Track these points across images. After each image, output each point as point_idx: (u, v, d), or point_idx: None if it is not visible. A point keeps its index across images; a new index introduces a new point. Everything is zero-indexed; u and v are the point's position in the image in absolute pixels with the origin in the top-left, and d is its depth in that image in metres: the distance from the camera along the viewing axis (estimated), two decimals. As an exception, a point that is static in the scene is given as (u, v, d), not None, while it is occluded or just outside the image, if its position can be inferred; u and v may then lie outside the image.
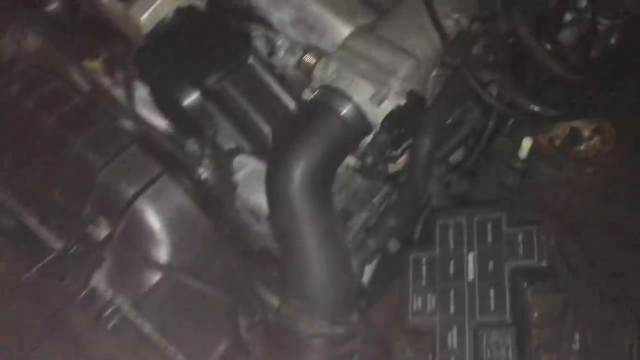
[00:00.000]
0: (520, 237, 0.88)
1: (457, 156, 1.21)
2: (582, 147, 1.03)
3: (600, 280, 0.89)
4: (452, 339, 0.88)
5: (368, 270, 1.25)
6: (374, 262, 1.23)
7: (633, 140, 1.01)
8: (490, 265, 0.88)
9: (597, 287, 0.88)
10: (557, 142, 1.04)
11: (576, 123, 1.04)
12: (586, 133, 1.03)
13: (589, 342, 0.86)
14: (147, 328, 1.00)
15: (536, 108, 1.00)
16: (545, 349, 0.88)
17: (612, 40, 1.19)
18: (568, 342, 0.88)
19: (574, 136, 1.03)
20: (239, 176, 1.13)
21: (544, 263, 0.85)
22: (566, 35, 1.17)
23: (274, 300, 1.11)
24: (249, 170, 1.13)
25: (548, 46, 1.12)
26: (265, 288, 1.14)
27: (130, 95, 1.21)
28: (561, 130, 1.05)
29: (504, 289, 0.86)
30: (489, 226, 0.91)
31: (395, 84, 1.00)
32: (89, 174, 1.04)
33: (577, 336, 0.87)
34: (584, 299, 0.88)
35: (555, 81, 1.07)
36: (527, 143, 0.97)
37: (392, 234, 1.13)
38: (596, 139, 1.03)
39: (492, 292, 0.87)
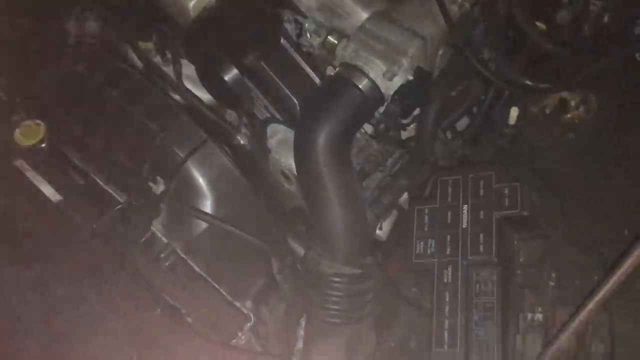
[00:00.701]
0: (506, 191, 1.04)
1: (463, 124, 1.37)
2: (569, 115, 1.18)
3: (574, 229, 1.04)
4: (448, 276, 1.05)
5: (386, 228, 1.44)
6: (392, 220, 1.41)
7: (614, 110, 1.15)
8: (481, 214, 1.05)
9: (571, 234, 1.04)
10: (548, 111, 1.19)
11: (565, 94, 1.18)
12: (573, 103, 1.18)
13: (563, 280, 1.02)
14: (197, 267, 1.20)
15: (529, 82, 1.15)
16: (527, 287, 1.05)
17: (605, 19, 1.32)
18: (545, 280, 1.04)
19: (563, 106, 1.18)
20: (272, 142, 1.29)
21: (525, 213, 1.01)
22: (562, 16, 1.31)
23: (301, 251, 1.29)
24: (280, 137, 1.29)
25: (543, 26, 1.26)
26: (294, 240, 1.32)
27: (178, 72, 1.38)
28: (551, 100, 1.19)
29: (492, 234, 1.03)
30: (481, 183, 1.07)
31: (405, 62, 1.15)
32: (147, 139, 1.22)
33: (553, 275, 1.04)
34: (559, 245, 1.05)
35: (547, 57, 1.21)
36: (514, 112, 1.13)
37: (404, 192, 1.30)
38: (582, 108, 1.17)
39: (481, 237, 1.03)
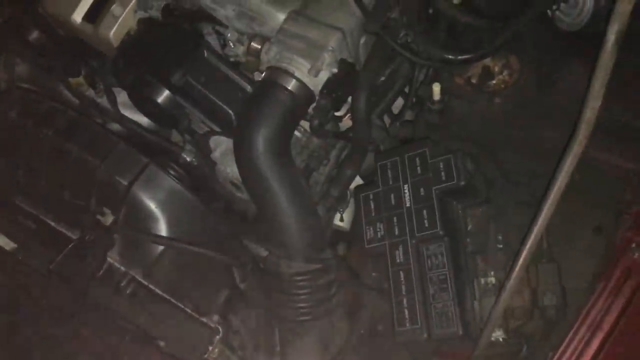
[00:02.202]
0: (441, 165, 1.06)
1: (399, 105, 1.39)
2: (495, 81, 1.20)
3: (512, 189, 1.07)
4: (400, 256, 1.07)
5: (348, 218, 1.46)
6: (352, 210, 1.43)
7: (534, 68, 1.18)
8: (422, 191, 1.07)
9: (510, 194, 1.07)
10: (474, 80, 1.21)
11: (487, 61, 1.21)
12: (496, 69, 1.21)
13: (510, 240, 1.05)
14: (158, 290, 1.21)
15: (449, 56, 1.18)
16: (477, 253, 1.08)
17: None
18: (494, 243, 1.07)
19: (486, 73, 1.21)
20: (216, 154, 1.30)
21: (462, 182, 1.04)
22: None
23: (263, 252, 1.30)
24: (223, 148, 1.30)
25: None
26: (255, 243, 1.33)
27: (113, 101, 1.39)
28: (475, 69, 1.21)
29: (434, 209, 1.05)
30: (417, 160, 1.09)
31: (327, 56, 1.17)
32: (88, 173, 1.23)
33: (500, 237, 1.07)
34: (501, 206, 1.07)
35: (465, 28, 1.24)
36: (436, 87, 1.15)
37: (351, 181, 1.33)
38: (505, 72, 1.20)
39: (425, 213, 1.06)
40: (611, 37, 0.84)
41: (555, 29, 1.19)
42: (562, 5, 1.16)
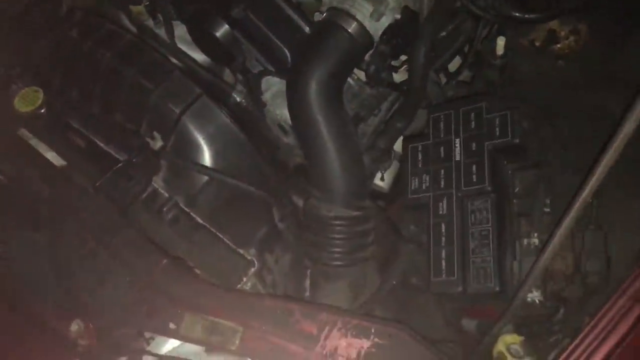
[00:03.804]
0: (497, 121, 1.04)
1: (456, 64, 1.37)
2: (559, 46, 1.17)
3: (565, 154, 1.05)
4: (443, 208, 1.06)
5: (388, 179, 1.45)
6: (394, 172, 1.42)
7: (603, 37, 1.14)
8: (473, 146, 1.06)
9: (563, 160, 1.05)
10: (538, 43, 1.18)
11: (554, 25, 1.18)
12: (562, 33, 1.17)
13: (558, 205, 1.03)
14: (199, 219, 1.22)
15: (517, 13, 1.15)
16: (522, 215, 1.06)
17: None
18: (540, 207, 1.05)
19: (552, 36, 1.18)
20: (266, 96, 1.31)
21: (516, 140, 1.02)
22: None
23: (300, 203, 1.30)
24: (275, 90, 1.30)
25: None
26: (297, 196, 1.34)
27: (171, 34, 1.40)
28: (540, 32, 1.18)
29: (484, 164, 1.03)
30: (472, 115, 1.08)
31: (391, 1, 1.16)
32: (142, 97, 1.25)
33: (547, 201, 1.05)
34: (552, 171, 1.05)
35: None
36: (501, 41, 1.12)
37: (399, 135, 1.31)
38: (571, 38, 1.17)
39: (474, 168, 1.04)
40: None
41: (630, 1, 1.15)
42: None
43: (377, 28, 1.16)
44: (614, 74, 1.09)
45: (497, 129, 1.04)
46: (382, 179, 1.42)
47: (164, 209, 1.21)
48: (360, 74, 1.27)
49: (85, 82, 1.31)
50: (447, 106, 1.13)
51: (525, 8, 1.14)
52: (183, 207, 1.22)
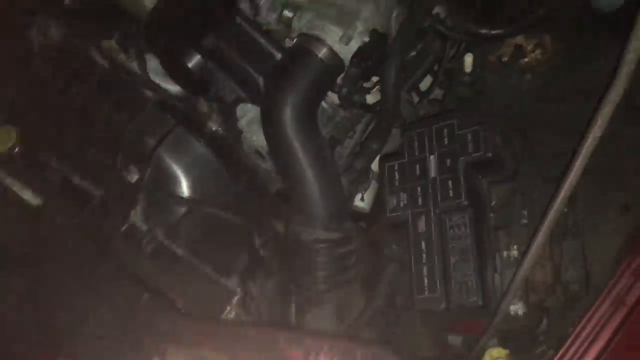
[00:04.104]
0: (469, 136, 1.05)
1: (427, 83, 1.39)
2: (526, 60, 1.20)
3: (539, 165, 1.06)
4: (422, 225, 1.07)
5: (368, 199, 1.45)
6: (373, 191, 1.43)
7: (567, 50, 1.17)
8: (448, 162, 1.06)
9: (537, 170, 1.06)
10: (505, 58, 1.21)
11: (520, 39, 1.20)
12: (529, 47, 1.20)
13: (535, 215, 1.04)
14: (179, 250, 1.22)
15: (483, 30, 1.17)
16: (500, 228, 1.07)
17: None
18: (518, 218, 1.06)
19: (519, 51, 1.20)
20: (242, 123, 1.31)
21: (489, 154, 1.03)
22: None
23: (282, 227, 1.30)
24: (250, 116, 1.30)
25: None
26: (275, 217, 1.33)
27: (143, 66, 1.40)
28: (507, 47, 1.21)
29: (459, 180, 1.04)
30: (445, 132, 1.09)
31: (359, 25, 1.17)
32: (117, 131, 1.25)
33: (525, 213, 1.06)
34: (527, 182, 1.06)
35: (500, 4, 1.23)
36: (468, 58, 1.15)
37: (376, 155, 1.32)
38: (537, 51, 1.19)
39: (450, 183, 1.05)
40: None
41: (592, 9, 1.18)
42: (599, -15, 1.15)
43: (347, 52, 1.18)
44: (580, 84, 1.11)
45: (470, 145, 1.05)
46: (362, 199, 1.42)
47: (144, 242, 1.21)
48: (334, 97, 1.28)
49: (59, 119, 1.31)
50: (420, 124, 1.15)
51: (491, 25, 1.16)
52: (163, 239, 1.22)
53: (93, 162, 1.27)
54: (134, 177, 1.23)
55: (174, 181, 1.25)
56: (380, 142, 1.29)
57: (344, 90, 1.19)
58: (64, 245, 1.22)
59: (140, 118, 1.25)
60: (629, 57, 0.90)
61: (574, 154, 0.96)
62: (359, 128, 1.34)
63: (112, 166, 1.25)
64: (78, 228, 1.21)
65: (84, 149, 1.29)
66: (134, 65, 1.42)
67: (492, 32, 1.14)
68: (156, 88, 1.39)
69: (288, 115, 1.16)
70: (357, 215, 1.43)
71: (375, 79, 1.27)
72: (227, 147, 1.36)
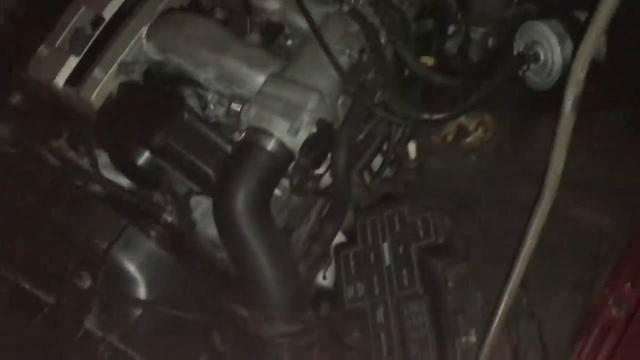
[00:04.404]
0: (419, 222, 1.07)
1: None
2: (470, 139, 1.23)
3: (490, 246, 1.08)
4: (380, 316, 1.06)
5: (330, 276, 1.45)
6: (332, 267, 1.43)
7: (507, 128, 1.21)
8: (401, 249, 1.07)
9: (488, 251, 1.08)
10: (449, 139, 1.24)
11: (462, 120, 1.24)
12: (471, 127, 1.23)
13: (489, 297, 1.05)
14: (137, 356, 1.19)
15: (425, 115, 1.20)
16: (458, 312, 1.07)
17: (489, 44, 1.41)
18: (474, 301, 1.07)
19: (462, 131, 1.23)
20: (196, 214, 1.31)
21: (440, 240, 1.04)
22: (449, 47, 1.39)
23: (244, 312, 1.28)
24: (204, 208, 1.30)
25: (432, 60, 1.33)
26: (236, 304, 1.31)
27: (93, 163, 1.40)
28: (451, 127, 1.24)
29: (413, 267, 1.05)
30: (396, 218, 1.10)
31: (306, 117, 1.19)
32: (67, 236, 1.23)
33: (479, 295, 1.06)
34: (480, 264, 1.08)
35: (441, 87, 1.27)
36: (412, 147, 1.18)
37: (332, 239, 1.33)
38: (480, 130, 1.23)
39: (404, 271, 1.06)
40: (568, 103, 0.87)
41: (527, 87, 1.23)
42: (532, 65, 1.20)
43: (295, 142, 1.19)
44: (524, 163, 1.14)
45: (421, 231, 1.06)
46: (324, 277, 1.42)
47: (99, 350, 1.17)
48: (287, 183, 1.28)
49: (6, 226, 1.29)
50: (371, 211, 1.16)
51: (432, 109, 1.19)
52: (118, 344, 1.18)
53: (44, 269, 1.24)
54: (86, 283, 1.20)
55: (128, 282, 1.22)
56: (336, 225, 1.30)
57: (296, 179, 1.20)
58: (15, 356, 1.18)
59: (90, 221, 1.23)
60: (560, 138, 0.93)
61: (522, 234, 0.98)
62: (314, 212, 1.35)
63: (63, 272, 1.22)
64: (30, 338, 1.16)
65: (34, 256, 1.26)
66: (85, 162, 1.41)
67: (434, 117, 1.16)
68: (107, 183, 1.38)
69: (239, 208, 1.16)
70: (321, 294, 1.43)
71: (326, 164, 1.29)
72: (183, 238, 1.35)
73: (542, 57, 1.18)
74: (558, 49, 1.15)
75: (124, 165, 1.30)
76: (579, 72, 0.83)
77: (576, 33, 1.19)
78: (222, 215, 1.19)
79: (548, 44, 1.17)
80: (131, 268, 1.23)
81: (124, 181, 1.38)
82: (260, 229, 1.17)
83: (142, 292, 1.23)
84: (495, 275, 1.06)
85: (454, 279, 1.09)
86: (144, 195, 1.40)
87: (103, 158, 1.39)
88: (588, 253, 1.02)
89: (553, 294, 1.02)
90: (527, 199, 1.05)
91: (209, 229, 1.28)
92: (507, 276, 0.94)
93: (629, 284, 0.94)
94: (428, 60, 1.33)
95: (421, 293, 1.04)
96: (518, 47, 1.27)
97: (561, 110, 0.88)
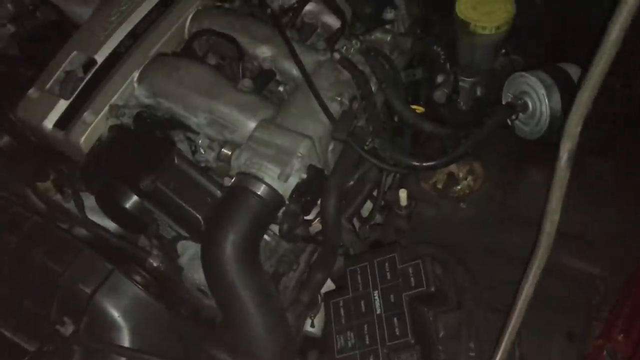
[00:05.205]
0: (410, 270, 1.06)
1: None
2: (460, 187, 1.24)
3: (484, 294, 1.07)
4: (371, 366, 1.04)
5: (319, 323, 1.43)
6: (323, 315, 1.41)
7: (497, 176, 1.22)
8: (392, 298, 1.06)
9: (480, 299, 1.07)
10: (440, 186, 1.24)
11: (452, 167, 1.25)
12: (461, 175, 1.24)
13: (482, 346, 1.04)
14: (119, 405, 1.14)
15: (414, 162, 1.21)
16: (450, 360, 1.06)
17: (478, 93, 1.43)
18: (465, 350, 1.05)
19: (452, 179, 1.24)
20: (183, 260, 1.29)
21: (432, 288, 1.03)
22: (438, 95, 1.41)
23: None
24: (191, 253, 1.28)
25: (422, 108, 1.35)
26: (223, 351, 1.28)
27: (80, 206, 1.37)
28: (441, 175, 1.25)
29: (404, 316, 1.04)
30: (387, 266, 1.09)
31: (296, 163, 1.19)
32: (51, 280, 1.19)
33: (471, 345, 1.05)
34: (472, 313, 1.07)
35: (431, 135, 1.28)
36: (402, 194, 1.18)
37: (322, 286, 1.31)
38: (469, 178, 1.24)
39: (395, 321, 1.04)
40: (564, 156, 0.88)
41: (516, 136, 1.24)
42: (521, 115, 1.22)
43: (285, 188, 1.19)
44: (513, 211, 1.15)
45: (412, 279, 1.05)
46: (312, 325, 1.40)
47: (80, 400, 1.13)
48: (276, 229, 1.27)
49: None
50: (361, 258, 1.15)
51: (422, 156, 1.20)
52: (100, 393, 1.14)
53: (26, 314, 1.20)
54: (69, 329, 1.16)
55: (112, 329, 1.18)
56: (325, 272, 1.29)
57: (285, 225, 1.19)
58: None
59: (75, 266, 1.20)
60: (556, 190, 0.93)
61: (518, 284, 0.98)
62: (303, 258, 1.34)
63: (46, 318, 1.19)
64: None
65: (17, 300, 1.22)
66: (71, 205, 1.39)
67: (424, 164, 1.17)
68: (93, 227, 1.36)
69: (228, 253, 1.14)
70: (309, 342, 1.40)
71: (316, 210, 1.29)
72: (169, 283, 1.32)
73: (530, 107, 1.20)
74: (546, 100, 1.18)
75: (111, 208, 1.29)
76: (574, 127, 0.84)
77: (563, 85, 1.22)
78: (210, 260, 1.17)
79: (536, 95, 1.19)
80: (115, 314, 1.19)
81: (109, 225, 1.37)
82: (248, 275, 1.15)
83: (126, 339, 1.19)
84: (488, 324, 1.05)
85: (446, 328, 1.08)
86: (130, 239, 1.39)
87: (89, 201, 1.38)
88: (580, 303, 1.02)
89: (547, 344, 1.01)
90: (518, 247, 1.05)
91: (196, 275, 1.26)
92: (502, 328, 0.93)
93: (622, 335, 0.93)
94: (417, 109, 1.35)
95: (412, 342, 1.02)
96: (506, 97, 1.30)
97: (557, 163, 0.89)
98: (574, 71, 1.27)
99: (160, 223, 1.29)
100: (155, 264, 1.33)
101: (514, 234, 1.10)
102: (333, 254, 1.27)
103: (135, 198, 1.24)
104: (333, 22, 1.48)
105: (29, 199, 1.41)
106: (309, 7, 1.48)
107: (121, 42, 1.36)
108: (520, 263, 0.98)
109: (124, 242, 1.35)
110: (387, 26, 1.46)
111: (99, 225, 1.36)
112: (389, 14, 1.51)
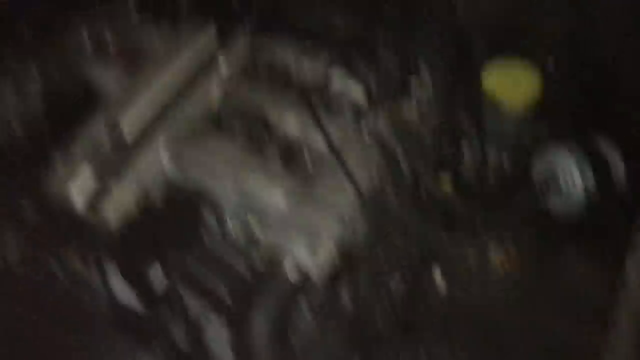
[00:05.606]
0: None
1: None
2: (494, 268, 1.20)
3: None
4: None
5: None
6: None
7: (533, 261, 1.18)
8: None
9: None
10: (474, 270, 1.21)
11: (488, 252, 1.22)
12: (495, 256, 1.21)
13: None
14: None
15: (446, 238, 1.19)
16: None
17: (505, 164, 1.42)
18: None
19: (485, 259, 1.21)
20: (207, 336, 1.27)
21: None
22: (466, 166, 1.39)
23: None
24: (215, 329, 1.27)
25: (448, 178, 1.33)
26: None
27: (103, 276, 1.36)
28: (474, 259, 1.22)
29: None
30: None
31: (325, 237, 1.18)
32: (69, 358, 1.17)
33: None
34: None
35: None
36: (437, 275, 1.15)
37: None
38: (504, 259, 1.20)
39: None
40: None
41: (552, 220, 1.22)
42: (556, 197, 1.19)
43: (314, 262, 1.17)
44: (551, 296, 1.11)
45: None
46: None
47: None
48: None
49: (14, 346, 1.23)
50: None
51: (454, 232, 1.18)
52: None
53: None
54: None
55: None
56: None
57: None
58: None
59: (93, 343, 1.18)
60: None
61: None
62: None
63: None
64: None
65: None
66: (93, 278, 1.38)
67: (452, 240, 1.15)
68: (116, 300, 1.33)
69: (258, 332, 1.12)
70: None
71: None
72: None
73: (562, 187, 1.18)
74: (580, 180, 1.15)
75: (136, 281, 1.27)
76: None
77: (595, 159, 1.21)
78: (239, 339, 1.14)
79: (569, 174, 1.17)
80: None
81: (133, 299, 1.35)
82: (277, 354, 1.13)
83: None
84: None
85: None
86: (153, 314, 1.36)
87: (112, 273, 1.36)
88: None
89: None
90: (557, 335, 1.02)
91: (224, 352, 1.23)
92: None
93: None
94: (444, 179, 1.34)
95: None
96: (536, 172, 1.28)
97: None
98: (603, 144, 1.26)
99: (186, 298, 1.27)
100: (178, 337, 1.30)
101: (551, 318, 1.07)
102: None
103: (160, 272, 1.23)
104: (359, 94, 1.49)
105: (51, 269, 1.39)
106: (335, 79, 1.49)
107: (150, 116, 1.37)
108: (561, 351, 0.95)
109: (146, 317, 1.33)
110: (412, 95, 1.47)
111: (121, 299, 1.34)
112: (414, 83, 1.51)
